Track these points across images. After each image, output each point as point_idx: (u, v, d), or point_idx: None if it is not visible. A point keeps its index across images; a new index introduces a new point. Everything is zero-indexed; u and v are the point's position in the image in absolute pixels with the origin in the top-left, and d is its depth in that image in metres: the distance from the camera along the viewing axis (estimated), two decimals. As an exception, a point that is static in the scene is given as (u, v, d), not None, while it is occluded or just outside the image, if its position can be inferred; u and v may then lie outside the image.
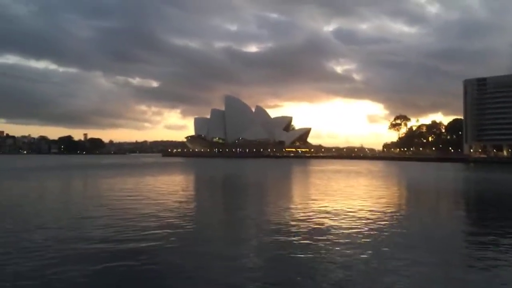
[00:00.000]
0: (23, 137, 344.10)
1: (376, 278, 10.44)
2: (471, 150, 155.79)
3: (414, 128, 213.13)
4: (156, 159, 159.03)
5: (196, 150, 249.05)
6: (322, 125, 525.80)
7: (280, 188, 38.34)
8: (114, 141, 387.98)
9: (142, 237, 15.04)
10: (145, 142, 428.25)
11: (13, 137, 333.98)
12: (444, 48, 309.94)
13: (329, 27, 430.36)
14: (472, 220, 20.76)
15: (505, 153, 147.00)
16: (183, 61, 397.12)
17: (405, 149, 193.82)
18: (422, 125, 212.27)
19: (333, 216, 19.91)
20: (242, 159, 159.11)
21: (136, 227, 16.83)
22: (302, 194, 31.49)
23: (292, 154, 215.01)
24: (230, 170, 76.29)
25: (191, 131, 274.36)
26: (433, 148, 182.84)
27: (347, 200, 26.84)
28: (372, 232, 15.99)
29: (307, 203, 24.87)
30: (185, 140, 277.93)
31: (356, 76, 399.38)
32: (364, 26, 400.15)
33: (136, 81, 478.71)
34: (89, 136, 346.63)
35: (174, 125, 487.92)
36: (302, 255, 12.57)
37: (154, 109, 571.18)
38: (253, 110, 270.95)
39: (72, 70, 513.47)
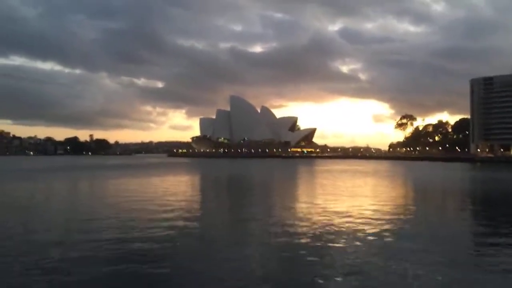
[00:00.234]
0: (30, 138, 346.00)
1: (390, 283, 10.36)
2: (478, 150, 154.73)
3: (420, 128, 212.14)
4: (161, 160, 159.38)
5: (202, 150, 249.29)
6: (328, 125, 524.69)
7: (287, 188, 38.26)
8: (120, 142, 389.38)
9: (149, 238, 15.01)
10: (150, 142, 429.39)
11: (19, 138, 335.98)
12: (449, 47, 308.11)
13: (334, 27, 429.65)
14: (481, 220, 20.55)
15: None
16: (188, 62, 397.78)
17: (411, 148, 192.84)
18: (429, 124, 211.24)
19: (341, 216, 19.79)
20: (248, 160, 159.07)
21: (143, 228, 16.82)
22: (309, 194, 31.40)
23: (297, 154, 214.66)
24: (235, 170, 76.29)
25: (196, 132, 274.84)
26: (440, 148, 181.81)
27: (354, 200, 26.70)
28: (383, 234, 15.87)
29: (315, 203, 24.76)
30: (190, 140, 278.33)
31: (362, 76, 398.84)
32: (369, 26, 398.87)
33: (141, 81, 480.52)
34: (94, 137, 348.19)
35: (179, 125, 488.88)
36: (312, 257, 12.49)
37: (159, 109, 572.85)
38: (259, 110, 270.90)
39: (77, 71, 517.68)
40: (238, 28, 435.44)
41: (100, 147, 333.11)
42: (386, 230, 16.29)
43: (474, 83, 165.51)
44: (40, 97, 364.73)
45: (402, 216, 20.05)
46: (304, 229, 16.61)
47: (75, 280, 10.38)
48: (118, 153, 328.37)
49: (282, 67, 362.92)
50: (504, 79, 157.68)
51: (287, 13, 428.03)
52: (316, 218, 19.32)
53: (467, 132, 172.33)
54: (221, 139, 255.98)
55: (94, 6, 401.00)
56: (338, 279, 10.40)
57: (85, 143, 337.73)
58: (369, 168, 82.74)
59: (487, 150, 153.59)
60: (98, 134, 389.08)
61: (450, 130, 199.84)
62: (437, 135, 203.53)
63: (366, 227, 16.91)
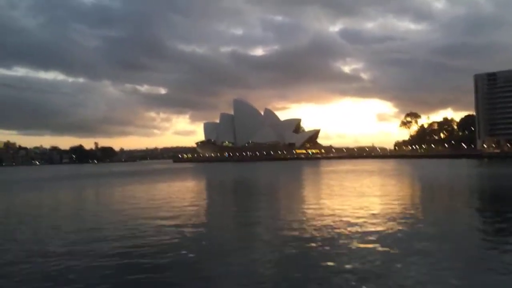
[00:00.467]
0: (35, 148, 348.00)
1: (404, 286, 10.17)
2: (484, 146, 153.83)
3: (425, 126, 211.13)
4: (167, 166, 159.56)
5: (207, 155, 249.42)
6: (331, 125, 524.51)
7: (294, 191, 38.01)
8: (125, 149, 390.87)
9: (157, 244, 14.85)
10: (155, 148, 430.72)
11: (25, 148, 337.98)
12: (450, 44, 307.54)
13: (334, 28, 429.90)
14: (494, 217, 20.21)
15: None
16: (189, 67, 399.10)
17: (417, 147, 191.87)
18: (434, 122, 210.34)
19: (350, 217, 19.57)
20: (253, 163, 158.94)
21: (150, 235, 16.68)
22: (317, 196, 31.12)
23: (302, 156, 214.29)
24: (241, 174, 76.13)
25: (200, 136, 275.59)
26: (446, 145, 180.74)
27: (363, 200, 26.39)
28: (395, 235, 15.66)
29: (324, 205, 24.53)
30: (195, 145, 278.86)
31: (364, 75, 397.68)
32: (370, 25, 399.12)
33: (144, 88, 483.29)
34: (99, 145, 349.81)
35: (183, 130, 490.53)
36: (323, 261, 12.29)
37: (162, 115, 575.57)
38: (262, 113, 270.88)
39: (80, 80, 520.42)
40: (238, 32, 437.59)
41: (105, 154, 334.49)
42: (398, 231, 16.05)
43: (478, 79, 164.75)
44: (44, 106, 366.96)
45: (413, 216, 19.79)
46: (314, 232, 16.39)
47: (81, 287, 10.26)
48: (123, 160, 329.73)
49: (284, 69, 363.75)
50: (507, 74, 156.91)
51: (287, 16, 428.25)
52: (325, 220, 19.09)
53: (472, 129, 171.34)
54: (226, 143, 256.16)
55: (95, 15, 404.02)
56: (351, 282, 10.19)
57: (90, 151, 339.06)
58: (375, 167, 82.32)
59: (493, 145, 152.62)
60: (103, 142, 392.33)
61: (455, 127, 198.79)
62: (443, 133, 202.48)
63: (377, 228, 16.67)
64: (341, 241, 14.49)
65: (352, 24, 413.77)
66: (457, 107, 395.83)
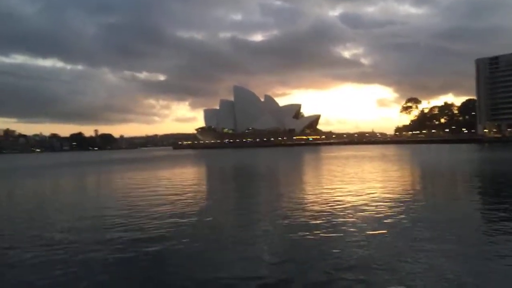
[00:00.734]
0: (35, 135, 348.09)
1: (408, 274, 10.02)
2: (485, 130, 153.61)
3: (426, 111, 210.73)
4: (167, 152, 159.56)
5: (207, 141, 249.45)
6: (332, 111, 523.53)
7: (295, 176, 37.87)
8: (125, 136, 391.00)
9: (160, 229, 14.73)
10: (155, 135, 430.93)
11: (25, 136, 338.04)
12: (451, 28, 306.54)
13: (334, 12, 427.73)
14: (496, 203, 20.08)
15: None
16: (189, 54, 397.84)
17: (418, 132, 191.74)
18: (434, 107, 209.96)
19: (352, 203, 19.45)
20: (253, 149, 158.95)
21: (152, 219, 16.55)
22: (318, 182, 30.94)
23: (303, 142, 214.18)
24: (241, 160, 76.05)
25: (200, 123, 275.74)
26: (446, 130, 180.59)
27: (365, 186, 26.25)
28: (398, 221, 15.52)
29: (325, 191, 24.39)
30: (195, 132, 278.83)
31: (364, 61, 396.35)
32: (370, 9, 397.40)
33: (143, 75, 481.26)
34: (99, 132, 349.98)
35: (183, 117, 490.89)
36: (325, 247, 12.16)
37: (162, 102, 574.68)
38: (262, 99, 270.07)
39: (79, 67, 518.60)
40: (237, 17, 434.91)
41: (105, 141, 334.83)
42: (401, 218, 15.87)
43: (479, 63, 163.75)
44: (43, 94, 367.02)
45: (416, 201, 19.66)
46: (316, 218, 16.22)
47: (87, 276, 10.13)
48: (123, 147, 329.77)
49: (283, 55, 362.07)
50: (510, 58, 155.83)
51: (286, 0, 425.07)
52: (327, 206, 18.95)
53: (473, 113, 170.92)
54: (226, 130, 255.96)
55: (93, 2, 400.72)
56: (352, 269, 10.05)
57: (90, 138, 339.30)
58: (376, 153, 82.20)
59: (494, 130, 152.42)
60: (103, 129, 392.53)
61: (456, 111, 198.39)
62: (443, 117, 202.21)
63: (380, 214, 16.54)
64: (343, 227, 14.35)
65: (352, 8, 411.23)
66: (458, 92, 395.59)
